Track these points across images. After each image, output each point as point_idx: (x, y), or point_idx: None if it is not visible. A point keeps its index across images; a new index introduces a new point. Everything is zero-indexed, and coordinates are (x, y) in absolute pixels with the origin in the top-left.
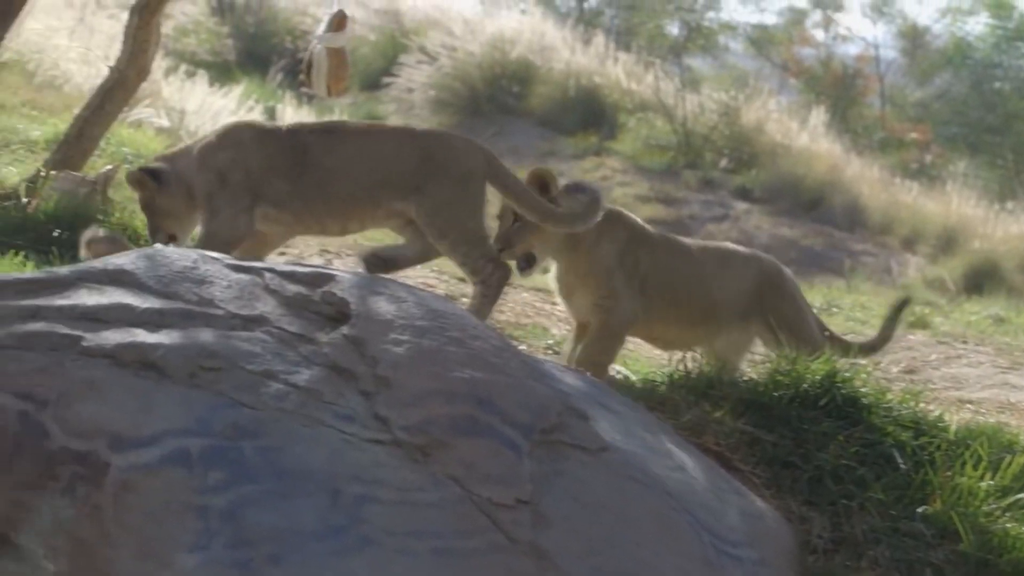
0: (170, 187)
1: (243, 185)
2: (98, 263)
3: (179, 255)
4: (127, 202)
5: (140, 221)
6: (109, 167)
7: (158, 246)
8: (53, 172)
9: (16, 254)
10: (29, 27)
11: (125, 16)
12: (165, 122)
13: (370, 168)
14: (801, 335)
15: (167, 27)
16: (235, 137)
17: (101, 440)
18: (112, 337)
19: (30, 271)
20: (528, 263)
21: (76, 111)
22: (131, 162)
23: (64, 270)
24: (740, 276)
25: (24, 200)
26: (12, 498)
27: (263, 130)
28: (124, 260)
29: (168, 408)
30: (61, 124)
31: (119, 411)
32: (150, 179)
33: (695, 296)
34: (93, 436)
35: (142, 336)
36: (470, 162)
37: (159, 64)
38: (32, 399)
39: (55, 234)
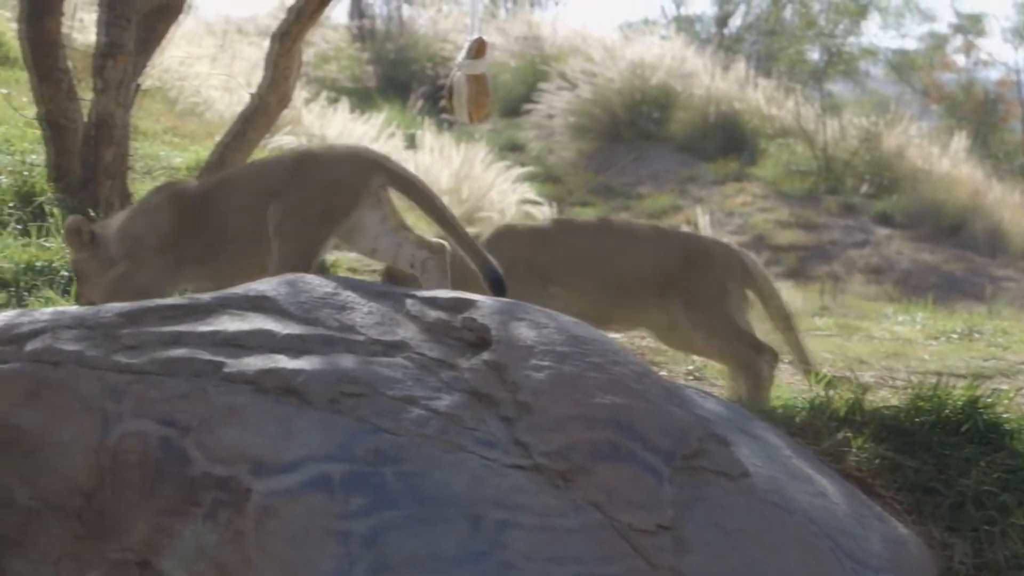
0: None
1: None
2: (239, 290)
3: (320, 282)
4: None
5: None
6: None
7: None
8: None
9: None
10: (171, 55)
11: (266, 43)
12: None
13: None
14: (714, 319)
15: (308, 54)
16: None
17: (243, 466)
18: (254, 363)
19: (172, 297)
20: None
21: (217, 138)
22: None
23: (206, 296)
24: (648, 252)
25: None
26: (155, 524)
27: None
28: (266, 287)
29: (309, 434)
30: (203, 151)
31: (261, 437)
32: None
33: (598, 273)
34: (235, 462)
35: (283, 362)
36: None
37: (300, 91)
38: (174, 425)
39: None
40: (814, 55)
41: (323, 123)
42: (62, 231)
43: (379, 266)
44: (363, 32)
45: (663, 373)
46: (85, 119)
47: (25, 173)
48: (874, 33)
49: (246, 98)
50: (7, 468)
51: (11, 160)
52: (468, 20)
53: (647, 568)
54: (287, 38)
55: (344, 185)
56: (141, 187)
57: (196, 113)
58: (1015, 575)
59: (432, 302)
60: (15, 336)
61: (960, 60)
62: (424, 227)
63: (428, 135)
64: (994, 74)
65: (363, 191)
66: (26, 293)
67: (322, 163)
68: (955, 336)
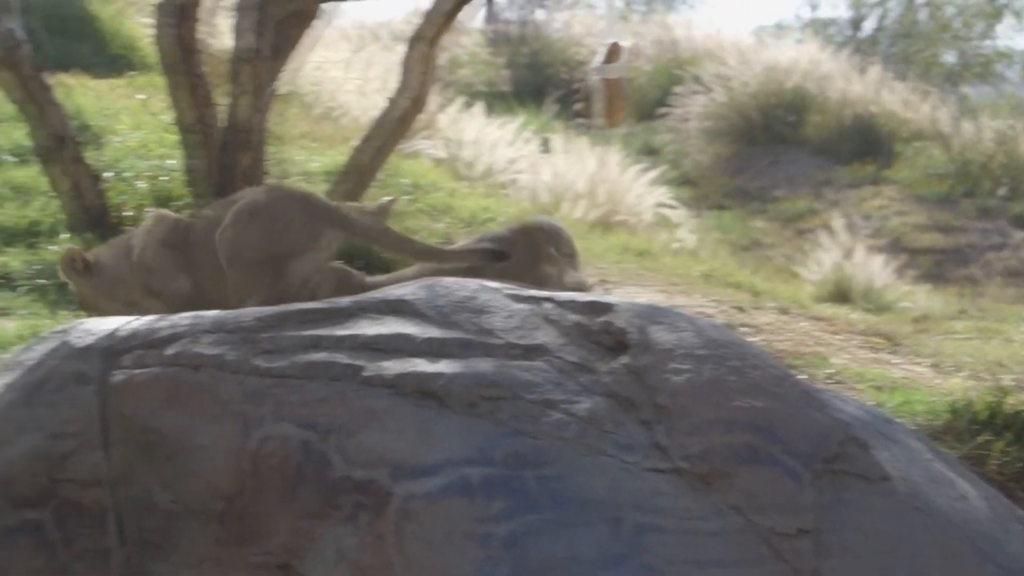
0: None
1: None
2: (377, 294)
3: (458, 285)
4: (407, 233)
5: None
6: (387, 198)
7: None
8: None
9: None
10: (307, 59)
11: (401, 48)
12: (442, 153)
13: None
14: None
15: (443, 58)
16: None
17: (383, 469)
18: (392, 367)
19: (311, 302)
20: None
21: (353, 143)
22: (409, 193)
23: (344, 301)
24: None
25: None
26: (295, 527)
27: None
28: (404, 291)
29: (449, 437)
30: (338, 156)
31: (400, 440)
32: None
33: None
34: (375, 465)
35: (422, 366)
36: None
37: (435, 95)
38: (314, 429)
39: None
40: (949, 58)
41: (457, 128)
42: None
43: None
44: (497, 36)
45: (802, 377)
46: (221, 124)
47: (162, 178)
48: (1009, 36)
49: (382, 103)
50: (148, 472)
51: (148, 165)
52: (602, 24)
53: (788, 572)
54: (422, 43)
55: None
56: None
57: (332, 118)
58: None
59: (570, 306)
60: (155, 340)
61: None
62: None
63: (562, 139)
64: None
65: None
66: None
67: None
68: None
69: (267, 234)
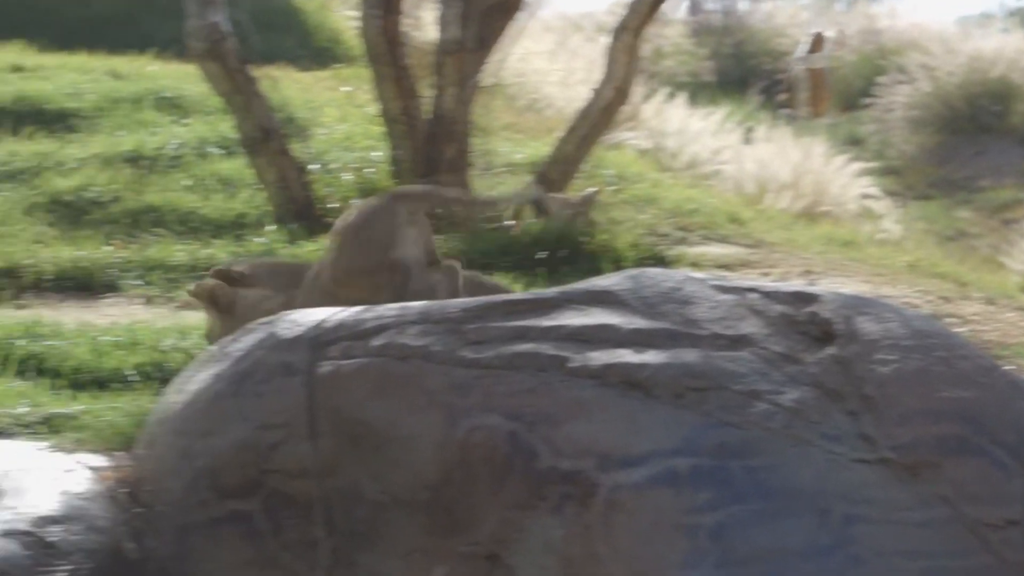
0: None
1: None
2: (582, 285)
3: (664, 276)
4: (609, 224)
5: (623, 242)
6: (592, 189)
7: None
8: None
9: (504, 276)
10: (510, 51)
11: (605, 39)
12: (646, 144)
13: None
14: None
15: (646, 49)
16: None
17: (589, 460)
18: (598, 357)
19: (516, 292)
20: None
21: (557, 134)
22: (612, 184)
23: (550, 292)
24: None
25: (509, 222)
26: (503, 518)
27: None
28: (608, 282)
29: (655, 428)
30: (542, 147)
31: (606, 431)
32: None
33: None
34: (581, 456)
35: (628, 356)
36: None
37: (639, 86)
38: (521, 419)
39: (539, 256)
40: None
41: (661, 118)
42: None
43: None
44: (700, 27)
45: (1009, 367)
46: (426, 116)
47: (367, 170)
48: None
49: (585, 94)
50: (356, 463)
51: (354, 157)
52: (806, 14)
53: (996, 563)
54: (626, 34)
55: None
56: (482, 184)
57: (535, 109)
58: None
59: (775, 296)
60: (361, 332)
61: None
62: None
63: (766, 129)
64: None
65: None
66: None
67: None
68: None
69: (369, 240)
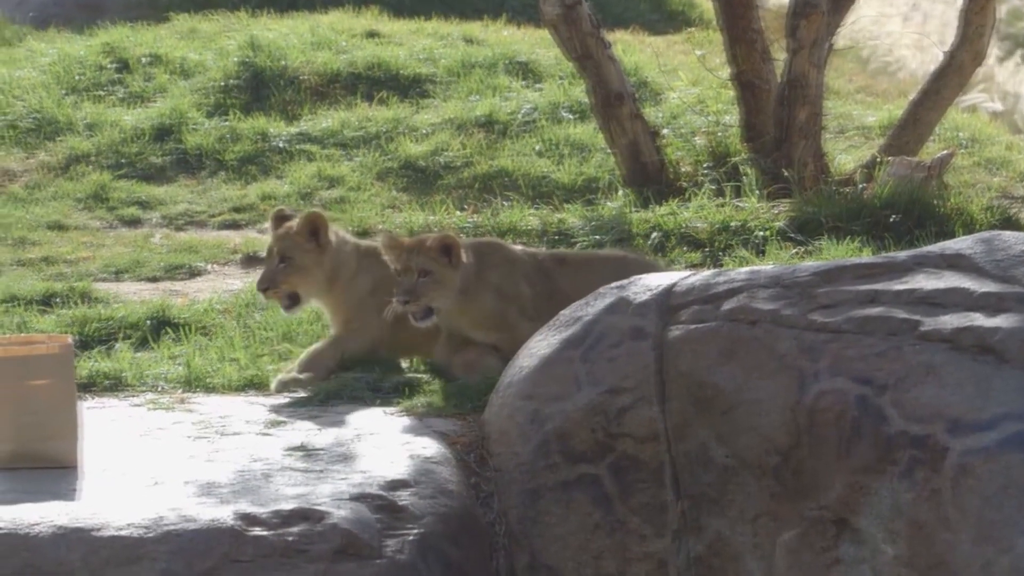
0: None
1: None
2: (935, 248)
3: (1017, 239)
4: (963, 187)
5: (976, 206)
6: (944, 152)
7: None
8: (888, 158)
9: (852, 239)
10: (863, 14)
11: (960, 1)
12: (998, 107)
13: None
14: None
15: (1001, 11)
16: None
17: (939, 424)
18: (949, 321)
19: (867, 256)
20: (292, 302)
21: (910, 97)
22: (965, 147)
23: (902, 255)
24: None
25: (860, 186)
26: (851, 482)
27: None
28: (961, 245)
29: (1006, 392)
30: (895, 110)
31: (957, 395)
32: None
33: None
34: (931, 420)
35: (980, 320)
36: None
37: (993, 48)
38: (871, 383)
39: (890, 219)
40: None
41: (1016, 81)
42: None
43: None
44: None
45: None
46: (778, 79)
47: (719, 134)
48: None
49: (938, 56)
50: (703, 426)
51: (705, 121)
52: None
53: None
54: None
55: None
56: (834, 146)
57: (888, 72)
58: None
59: None
60: (711, 296)
61: None
62: None
63: None
64: None
65: None
66: (721, 253)
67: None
68: None
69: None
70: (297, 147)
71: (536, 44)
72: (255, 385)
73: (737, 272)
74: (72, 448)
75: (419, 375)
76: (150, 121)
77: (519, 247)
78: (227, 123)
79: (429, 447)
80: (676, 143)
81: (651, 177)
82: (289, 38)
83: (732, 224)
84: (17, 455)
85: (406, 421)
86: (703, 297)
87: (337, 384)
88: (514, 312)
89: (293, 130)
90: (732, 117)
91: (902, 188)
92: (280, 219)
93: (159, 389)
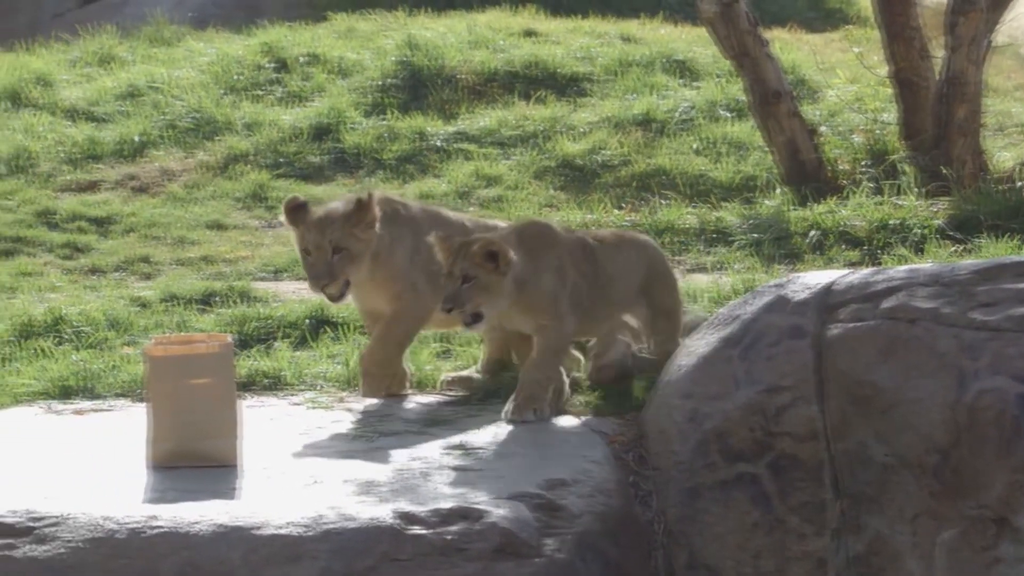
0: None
1: None
2: None
3: None
4: None
5: None
6: None
7: None
8: None
9: (1012, 237)
10: (1022, 10)
11: None
12: None
13: None
14: None
15: None
16: None
17: None
18: None
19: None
20: (476, 319)
21: None
22: None
23: None
24: None
25: (1019, 183)
26: (1011, 480)
27: None
28: None
29: None
30: None
31: None
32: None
33: None
34: None
35: None
36: None
37: None
38: None
39: None
40: None
41: None
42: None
43: None
44: None
45: None
46: (937, 77)
47: (877, 131)
48: None
49: None
50: (863, 425)
51: (863, 119)
52: None
53: None
54: None
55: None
56: (993, 144)
57: None
58: None
59: None
60: (870, 294)
61: None
62: None
63: None
64: None
65: None
66: (879, 251)
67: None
68: None
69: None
70: (455, 146)
71: (693, 42)
72: (413, 384)
73: (896, 270)
74: (232, 447)
75: (577, 375)
76: (308, 120)
77: (561, 228)
78: (385, 122)
79: (587, 446)
80: (834, 141)
81: (809, 175)
82: (447, 37)
83: (890, 222)
84: (177, 454)
85: (566, 420)
86: (862, 295)
87: (495, 383)
88: (565, 301)
89: (451, 129)
90: (890, 115)
91: None
92: (295, 209)
93: (318, 388)
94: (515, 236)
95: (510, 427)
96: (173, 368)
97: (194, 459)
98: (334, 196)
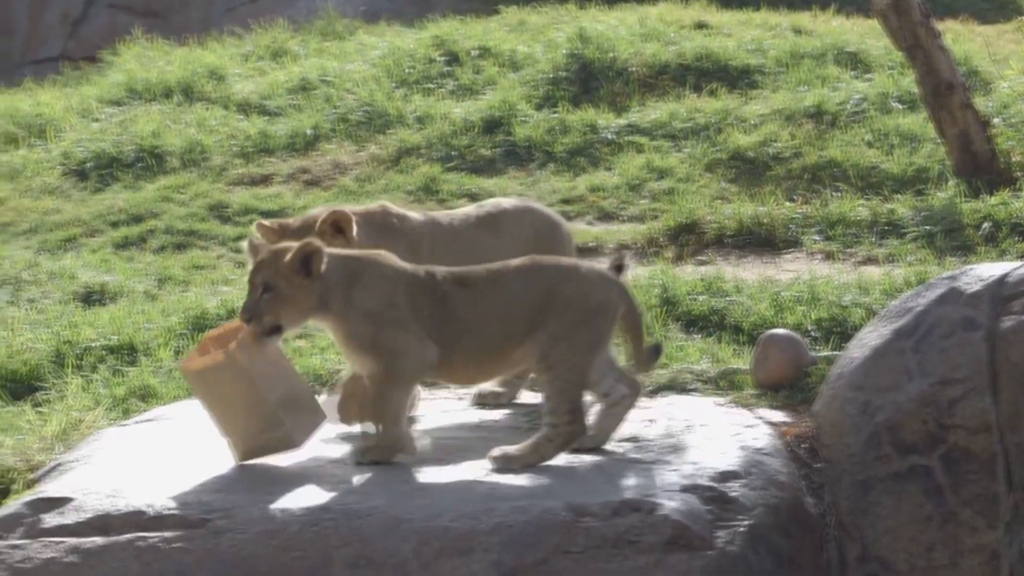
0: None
1: None
2: None
3: None
4: None
5: None
6: None
7: None
8: None
9: None
10: None
11: None
12: None
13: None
14: None
15: None
16: None
17: None
18: None
19: None
20: (273, 332)
21: None
22: None
23: None
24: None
25: None
26: None
27: None
28: None
29: None
30: None
31: None
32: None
33: None
34: None
35: None
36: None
37: None
38: None
39: None
40: None
41: None
42: None
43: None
44: None
45: None
46: None
47: None
48: None
49: None
50: None
51: None
52: None
53: None
54: None
55: (608, 311)
56: None
57: None
58: None
59: None
60: None
61: None
62: None
63: None
64: None
65: (616, 317)
66: None
67: (583, 287)
68: None
69: None
70: (626, 138)
71: (865, 34)
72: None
73: None
74: (284, 435)
75: (745, 367)
76: (479, 113)
77: (409, 266)
78: (556, 115)
79: (760, 438)
80: (1007, 133)
81: (981, 167)
82: (618, 30)
83: None
84: (249, 452)
85: (737, 412)
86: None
87: (668, 375)
88: (390, 333)
89: (622, 122)
90: None
91: None
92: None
93: None
94: (342, 261)
95: (682, 420)
96: (198, 380)
97: (262, 453)
98: (506, 189)
